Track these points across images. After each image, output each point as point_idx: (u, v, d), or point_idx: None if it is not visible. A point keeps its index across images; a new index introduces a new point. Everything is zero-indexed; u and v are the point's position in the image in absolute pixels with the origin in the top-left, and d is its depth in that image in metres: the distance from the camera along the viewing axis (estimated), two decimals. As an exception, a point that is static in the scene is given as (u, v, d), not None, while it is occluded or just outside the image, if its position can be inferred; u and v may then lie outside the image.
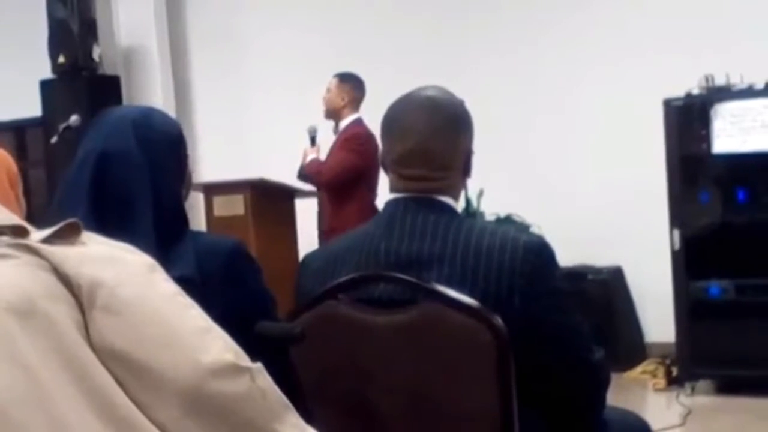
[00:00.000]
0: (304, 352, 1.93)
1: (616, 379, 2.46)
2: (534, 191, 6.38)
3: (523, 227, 6.03)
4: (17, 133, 8.69)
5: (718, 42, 5.82)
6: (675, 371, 5.51)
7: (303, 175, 5.46)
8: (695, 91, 5.35)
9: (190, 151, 2.14)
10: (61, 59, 7.43)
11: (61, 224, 1.31)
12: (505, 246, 1.88)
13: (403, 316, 1.88)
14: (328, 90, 5.63)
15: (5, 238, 1.28)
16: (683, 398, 5.19)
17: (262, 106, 7.40)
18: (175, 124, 2.13)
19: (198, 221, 5.21)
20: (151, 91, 7.69)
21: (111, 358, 1.22)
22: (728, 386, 5.34)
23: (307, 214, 5.71)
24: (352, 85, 5.63)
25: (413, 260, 1.91)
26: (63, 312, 1.21)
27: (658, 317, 5.90)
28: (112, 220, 1.81)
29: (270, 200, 5.20)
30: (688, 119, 5.32)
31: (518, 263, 1.87)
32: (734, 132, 5.20)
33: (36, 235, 1.29)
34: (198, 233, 2.08)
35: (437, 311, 1.84)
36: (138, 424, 1.19)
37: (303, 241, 5.55)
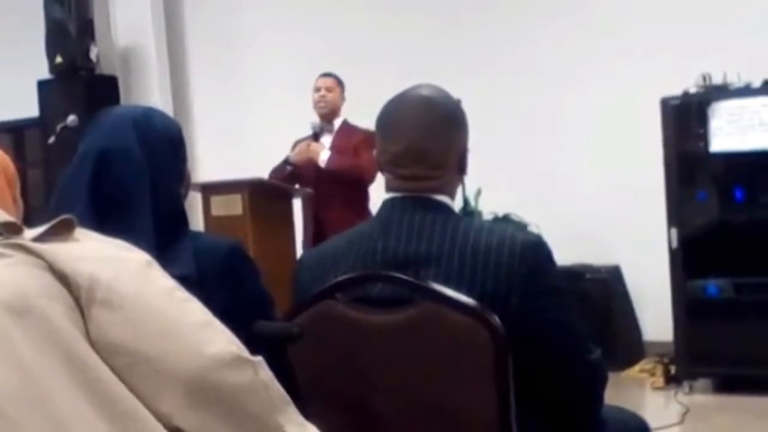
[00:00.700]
0: (301, 352, 1.93)
1: (614, 377, 2.46)
2: (532, 190, 6.38)
3: (521, 226, 6.03)
4: (15, 133, 8.69)
5: (716, 41, 5.82)
6: (673, 370, 5.52)
7: (327, 170, 5.44)
8: (693, 90, 5.35)
9: (188, 151, 2.14)
10: (59, 59, 7.43)
11: (54, 221, 1.31)
12: (503, 244, 1.88)
13: (400, 316, 1.87)
14: (330, 89, 5.64)
15: None
16: (681, 397, 5.20)
17: (260, 106, 7.40)
18: (175, 123, 2.13)
19: (196, 221, 5.21)
20: (148, 91, 7.69)
21: (111, 353, 1.22)
22: (726, 385, 5.35)
23: (305, 213, 5.71)
24: (343, 85, 5.72)
25: (410, 259, 1.91)
26: (58, 309, 1.21)
27: (656, 316, 5.90)
28: (111, 219, 1.80)
29: (268, 200, 5.19)
30: (685, 118, 5.33)
31: (516, 262, 1.86)
32: (732, 131, 5.20)
33: (29, 233, 1.29)
34: (197, 233, 2.09)
35: (435, 310, 1.84)
36: (140, 417, 1.19)
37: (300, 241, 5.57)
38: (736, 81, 5.30)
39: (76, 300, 1.23)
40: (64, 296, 1.23)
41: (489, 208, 6.14)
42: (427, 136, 2.00)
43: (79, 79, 7.43)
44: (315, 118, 5.66)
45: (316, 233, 5.34)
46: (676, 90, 5.36)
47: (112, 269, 1.26)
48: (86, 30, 7.48)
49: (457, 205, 2.09)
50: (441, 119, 2.03)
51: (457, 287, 1.84)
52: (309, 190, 5.34)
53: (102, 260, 1.27)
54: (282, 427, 1.27)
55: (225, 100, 7.72)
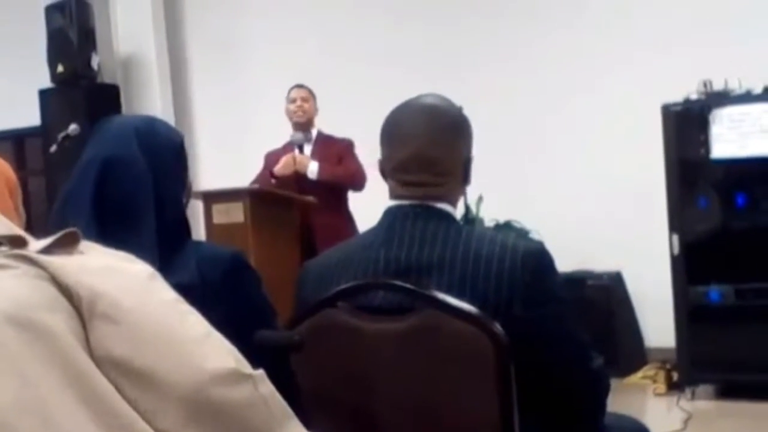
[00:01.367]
0: (303, 360, 1.93)
1: (616, 384, 2.46)
2: (533, 197, 6.39)
3: (523, 233, 6.04)
4: (16, 142, 8.71)
5: (717, 47, 5.83)
6: (675, 376, 5.51)
7: (320, 180, 5.55)
8: (694, 97, 5.35)
9: (189, 160, 2.14)
10: (60, 68, 7.44)
11: (60, 234, 1.31)
12: (505, 253, 1.88)
13: (402, 324, 1.88)
14: (305, 99, 5.79)
15: (3, 249, 1.28)
16: (683, 403, 5.19)
17: (261, 114, 7.40)
18: (178, 132, 2.14)
19: (197, 229, 5.21)
20: (149, 99, 7.70)
21: (112, 367, 1.22)
22: (728, 391, 5.34)
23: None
24: (315, 97, 5.87)
25: (412, 267, 1.92)
26: (61, 322, 1.21)
27: (657, 322, 5.90)
28: (114, 228, 1.81)
29: (269, 208, 5.19)
30: (686, 124, 5.33)
31: (518, 270, 1.87)
32: (733, 137, 5.21)
33: (34, 245, 1.29)
34: (199, 242, 2.09)
35: (437, 318, 1.84)
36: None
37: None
38: (737, 87, 5.30)
39: (78, 312, 1.23)
40: (66, 308, 1.23)
41: (490, 215, 6.15)
42: (433, 143, 2.01)
43: (81, 87, 7.44)
44: (292, 132, 5.74)
45: (305, 240, 5.37)
46: (677, 96, 5.36)
47: (114, 282, 1.26)
48: (87, 39, 7.49)
49: (458, 212, 2.09)
50: (447, 127, 2.04)
51: (460, 295, 1.84)
52: (311, 198, 5.36)
53: (104, 273, 1.27)
54: None
55: (226, 108, 7.73)
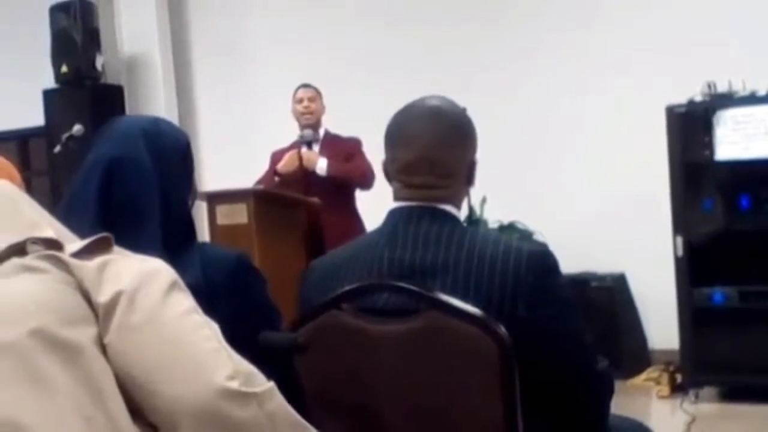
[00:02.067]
0: (307, 362, 1.94)
1: (619, 386, 2.46)
2: (537, 198, 6.38)
3: (527, 234, 6.03)
4: (20, 142, 8.71)
5: (721, 49, 5.82)
6: (679, 378, 5.51)
7: (329, 176, 5.53)
8: (698, 98, 5.35)
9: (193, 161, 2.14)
10: (64, 69, 7.44)
11: (93, 238, 1.32)
12: (509, 255, 1.88)
13: (406, 326, 1.87)
14: (312, 99, 5.74)
15: (37, 247, 1.29)
16: (687, 405, 5.18)
17: (265, 115, 7.40)
18: (184, 134, 2.14)
19: (201, 230, 5.21)
20: (154, 100, 7.70)
21: (123, 376, 1.23)
22: (732, 393, 5.33)
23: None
24: (322, 95, 5.83)
25: (416, 269, 1.92)
26: (86, 336, 1.23)
27: (661, 324, 5.90)
28: (120, 228, 1.80)
29: (274, 209, 5.19)
30: (690, 126, 5.32)
31: (522, 272, 1.87)
32: (737, 139, 5.20)
33: (69, 248, 1.31)
34: (203, 244, 2.09)
35: (441, 320, 1.84)
36: None
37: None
38: (741, 89, 5.30)
39: (96, 319, 1.25)
40: (90, 318, 1.25)
41: (494, 216, 6.14)
42: (439, 145, 2.01)
43: (85, 88, 7.44)
44: (300, 130, 5.71)
45: (313, 240, 5.35)
46: (681, 98, 5.36)
47: (134, 292, 1.27)
48: (92, 39, 7.49)
49: (462, 213, 2.09)
50: (452, 129, 2.04)
51: (464, 297, 1.84)
52: (316, 199, 5.34)
53: (126, 281, 1.28)
54: None
55: (230, 108, 7.73)
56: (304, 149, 5.59)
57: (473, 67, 6.64)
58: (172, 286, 1.32)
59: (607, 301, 6.03)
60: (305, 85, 5.82)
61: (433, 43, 6.84)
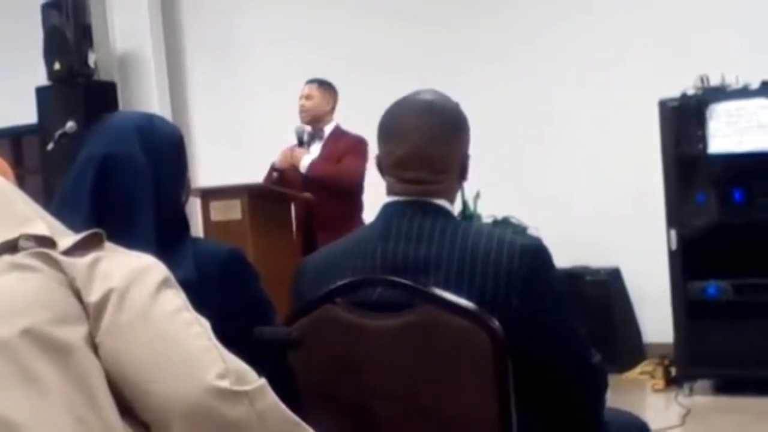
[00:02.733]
0: (301, 357, 1.94)
1: (614, 379, 2.46)
2: (531, 193, 6.38)
3: (521, 229, 6.03)
4: (13, 140, 8.70)
5: (713, 42, 5.82)
6: (673, 371, 5.51)
7: (307, 177, 5.44)
8: (690, 92, 5.35)
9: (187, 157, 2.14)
10: (57, 66, 7.43)
11: (85, 234, 1.32)
12: (502, 249, 1.88)
13: (400, 320, 1.88)
14: (309, 96, 5.62)
15: (30, 244, 1.29)
16: (682, 398, 5.20)
17: (258, 111, 7.40)
18: (177, 130, 2.13)
19: (195, 226, 5.20)
20: (146, 97, 7.69)
21: (113, 375, 1.23)
22: (727, 386, 5.35)
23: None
24: (334, 91, 5.69)
25: (410, 264, 1.92)
26: (77, 335, 1.23)
27: (656, 318, 5.90)
28: (113, 225, 1.80)
29: (267, 205, 5.19)
30: (683, 120, 5.33)
31: (515, 266, 1.87)
32: (730, 132, 5.21)
33: (62, 244, 1.30)
34: (196, 239, 2.08)
35: (434, 314, 1.84)
36: None
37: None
38: (734, 82, 5.30)
39: (87, 318, 1.25)
40: (79, 315, 1.25)
41: (488, 211, 6.14)
42: (432, 140, 2.00)
43: (78, 85, 7.42)
44: (301, 125, 5.65)
45: (306, 238, 5.34)
46: (674, 91, 5.36)
47: (124, 290, 1.27)
48: (84, 36, 7.47)
49: (456, 208, 2.09)
50: (445, 124, 2.04)
51: (457, 291, 1.84)
52: (308, 194, 5.33)
53: (117, 279, 1.28)
54: None
55: (223, 105, 7.72)
56: (295, 146, 5.57)
57: (466, 62, 6.63)
58: (163, 283, 1.32)
59: (601, 295, 6.03)
60: (309, 81, 5.70)
61: (428, 39, 6.84)
